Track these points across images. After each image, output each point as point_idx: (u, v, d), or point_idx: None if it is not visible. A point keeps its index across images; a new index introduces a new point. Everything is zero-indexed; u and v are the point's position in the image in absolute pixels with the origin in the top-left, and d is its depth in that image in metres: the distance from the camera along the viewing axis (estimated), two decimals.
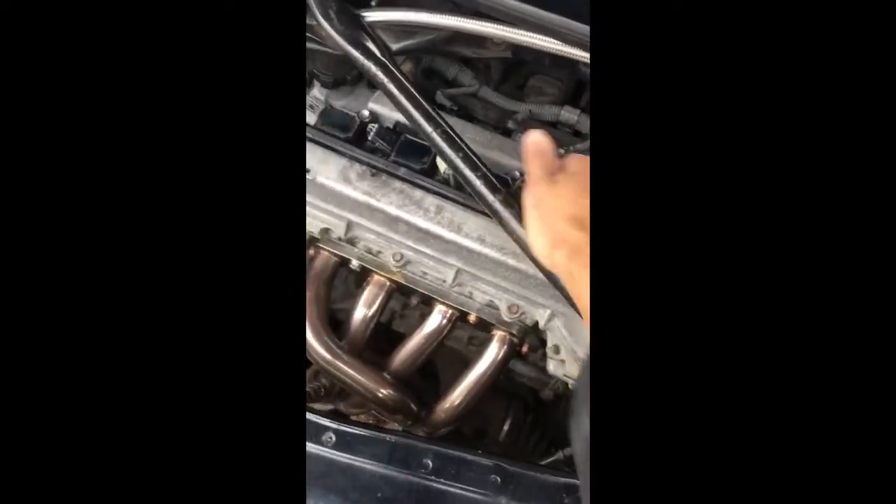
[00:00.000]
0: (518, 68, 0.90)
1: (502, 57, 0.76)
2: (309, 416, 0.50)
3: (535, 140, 0.54)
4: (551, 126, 0.83)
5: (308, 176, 0.73)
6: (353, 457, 0.47)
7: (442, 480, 0.47)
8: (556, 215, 0.49)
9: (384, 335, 0.94)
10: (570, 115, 0.82)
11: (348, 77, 0.79)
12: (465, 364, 0.99)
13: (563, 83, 0.86)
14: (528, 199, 0.52)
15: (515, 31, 0.64)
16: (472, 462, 0.48)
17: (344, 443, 0.48)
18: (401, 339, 0.86)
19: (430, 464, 0.47)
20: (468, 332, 0.95)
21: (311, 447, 0.48)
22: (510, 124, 0.81)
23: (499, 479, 0.47)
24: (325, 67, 0.78)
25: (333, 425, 0.49)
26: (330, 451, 0.48)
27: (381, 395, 0.76)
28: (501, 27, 0.63)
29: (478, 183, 0.59)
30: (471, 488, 0.47)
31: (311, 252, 0.88)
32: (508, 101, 0.83)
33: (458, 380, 0.84)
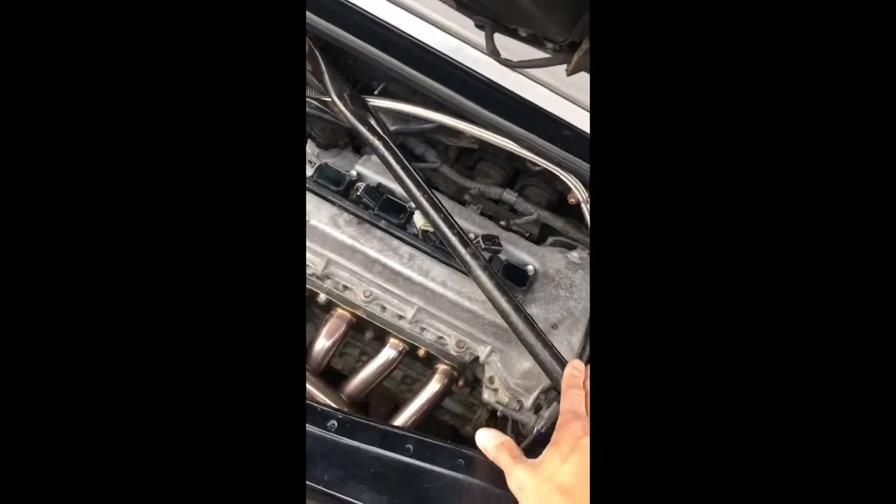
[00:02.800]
0: (469, 153, 1.13)
1: (467, 147, 0.98)
2: (318, 405, 0.62)
3: (487, 440, 0.58)
4: (494, 203, 1.05)
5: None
6: (351, 440, 0.60)
7: (420, 462, 0.60)
8: (542, 496, 0.51)
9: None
10: (510, 196, 1.05)
11: (340, 142, 0.96)
12: (394, 402, 1.12)
13: (504, 169, 1.10)
14: (512, 484, 0.54)
15: (481, 129, 0.86)
16: (443, 448, 0.63)
17: (345, 428, 0.60)
18: (336, 375, 0.97)
19: (412, 448, 0.61)
20: (403, 371, 1.09)
21: (317, 430, 0.59)
22: (466, 197, 1.01)
23: (463, 462, 0.62)
24: (321, 132, 0.94)
25: (338, 414, 0.61)
26: (333, 434, 0.60)
27: None
28: (473, 127, 0.85)
29: (453, 238, 0.77)
30: (442, 468, 0.61)
31: None
32: (463, 179, 1.04)
33: (403, 407, 0.97)
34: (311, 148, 0.95)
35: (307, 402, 0.62)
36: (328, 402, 0.87)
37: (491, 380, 0.91)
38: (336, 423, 0.61)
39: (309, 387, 0.89)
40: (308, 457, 0.58)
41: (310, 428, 0.60)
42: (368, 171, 0.94)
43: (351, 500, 0.56)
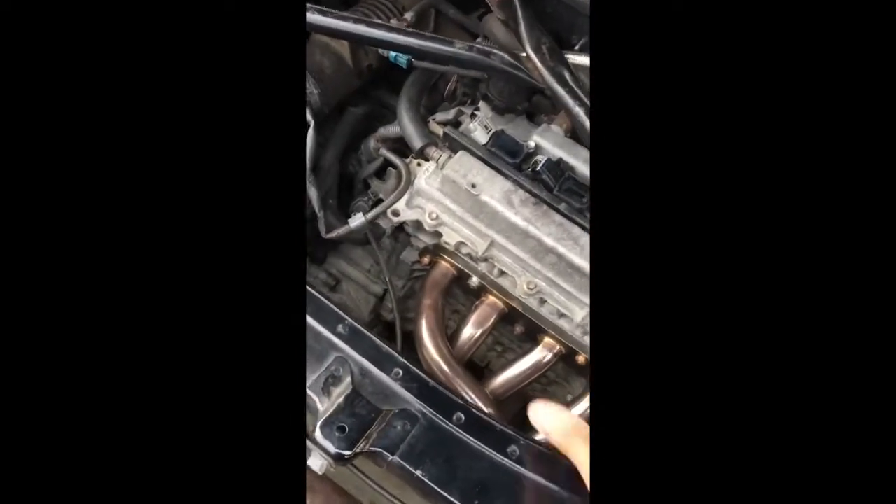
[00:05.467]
0: None
1: None
2: (502, 426, 0.52)
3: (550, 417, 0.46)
4: None
5: (473, 191, 0.76)
6: (535, 475, 0.48)
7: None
8: None
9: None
10: None
11: (518, 107, 0.83)
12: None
13: None
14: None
15: None
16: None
17: (528, 460, 0.49)
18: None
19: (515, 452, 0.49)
20: (549, 377, 0.95)
21: (497, 457, 0.49)
22: None
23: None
24: (499, 94, 0.81)
25: (521, 439, 0.50)
26: (514, 463, 0.49)
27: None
28: None
29: None
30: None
31: (425, 260, 0.90)
32: None
33: None
34: (485, 111, 0.83)
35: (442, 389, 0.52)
36: (474, 399, 0.78)
37: None
38: (518, 451, 0.50)
39: (457, 378, 0.80)
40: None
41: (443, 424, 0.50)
42: (548, 144, 0.80)
43: None
